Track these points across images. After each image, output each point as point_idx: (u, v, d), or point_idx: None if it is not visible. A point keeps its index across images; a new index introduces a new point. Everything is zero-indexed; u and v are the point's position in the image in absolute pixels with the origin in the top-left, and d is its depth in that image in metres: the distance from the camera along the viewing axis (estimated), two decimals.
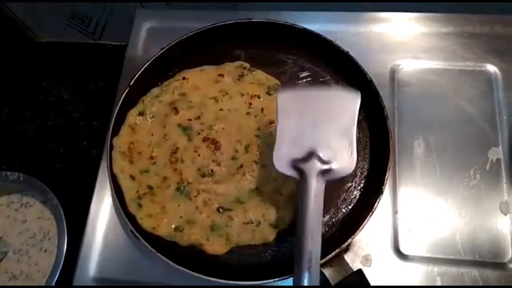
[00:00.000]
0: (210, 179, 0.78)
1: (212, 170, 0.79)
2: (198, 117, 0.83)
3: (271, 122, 0.82)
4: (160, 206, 0.77)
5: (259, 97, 0.84)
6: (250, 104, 0.84)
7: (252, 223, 0.76)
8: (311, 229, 0.57)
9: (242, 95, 0.84)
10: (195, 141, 0.81)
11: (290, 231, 0.76)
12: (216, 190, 0.78)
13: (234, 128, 0.82)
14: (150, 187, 0.79)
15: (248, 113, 0.83)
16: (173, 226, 0.76)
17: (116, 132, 0.83)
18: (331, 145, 0.62)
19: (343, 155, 0.61)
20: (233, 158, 0.80)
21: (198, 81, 0.87)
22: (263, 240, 0.76)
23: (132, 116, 0.84)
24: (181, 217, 0.77)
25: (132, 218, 0.76)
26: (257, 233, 0.76)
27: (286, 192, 0.77)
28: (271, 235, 0.75)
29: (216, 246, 0.75)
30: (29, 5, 1.06)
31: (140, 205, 0.78)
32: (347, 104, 0.63)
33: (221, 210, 0.77)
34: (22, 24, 1.13)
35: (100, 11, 1.07)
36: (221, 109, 0.84)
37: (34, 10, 1.08)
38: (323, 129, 0.63)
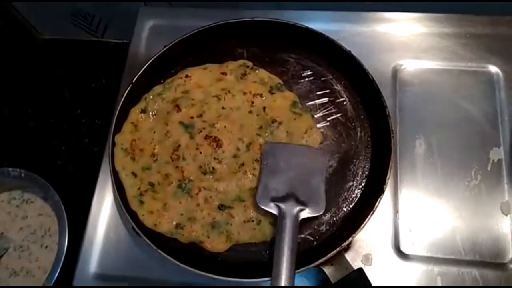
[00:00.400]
0: (211, 176, 0.79)
1: (213, 168, 0.79)
2: (200, 115, 0.83)
3: (273, 121, 0.82)
4: (162, 203, 0.78)
5: (261, 95, 0.84)
6: (253, 102, 0.84)
7: (253, 221, 0.76)
8: (286, 256, 0.65)
9: (245, 93, 0.84)
10: (197, 139, 0.81)
11: None
12: (217, 188, 0.78)
13: (236, 127, 0.82)
14: (151, 184, 0.79)
15: (250, 112, 0.83)
16: (174, 223, 0.76)
17: (118, 129, 0.83)
18: (306, 190, 0.74)
19: (315, 199, 0.74)
20: (235, 156, 0.80)
21: (200, 79, 0.87)
22: (263, 238, 0.76)
23: (135, 114, 0.84)
24: (182, 214, 0.77)
25: (133, 215, 0.76)
26: (257, 231, 0.76)
27: None
28: (271, 234, 0.75)
29: (216, 244, 0.75)
30: (32, 3, 1.07)
31: (141, 202, 0.78)
32: (319, 161, 0.78)
33: (222, 207, 0.77)
34: (25, 21, 1.14)
35: (103, 9, 1.07)
36: (223, 107, 0.84)
37: (38, 7, 1.09)
38: (300, 177, 0.76)
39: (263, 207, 0.73)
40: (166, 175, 0.79)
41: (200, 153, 0.80)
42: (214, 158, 0.79)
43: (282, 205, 0.72)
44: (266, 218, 0.76)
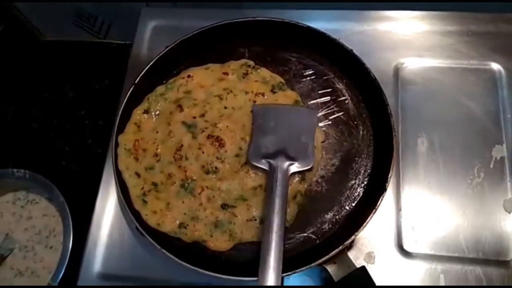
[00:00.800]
0: (214, 176, 0.79)
1: (216, 167, 0.79)
2: (203, 115, 0.83)
3: None
4: (165, 202, 0.78)
5: (263, 95, 0.84)
6: (255, 102, 0.84)
7: (256, 220, 0.76)
8: (278, 207, 0.69)
9: (247, 93, 0.85)
10: (200, 139, 0.81)
11: (292, 229, 0.77)
12: (220, 187, 0.78)
13: (238, 126, 0.82)
14: (154, 184, 0.80)
15: (252, 111, 0.84)
16: (177, 222, 0.77)
17: (121, 129, 0.83)
18: (295, 147, 0.77)
19: (304, 154, 0.77)
20: (237, 156, 0.80)
21: (202, 79, 0.87)
22: None
23: (137, 114, 0.85)
24: (185, 213, 0.77)
25: (137, 215, 0.76)
26: (260, 230, 0.76)
27: (290, 190, 0.77)
28: None
29: (219, 243, 0.76)
30: (35, 4, 1.07)
31: (145, 202, 0.78)
32: (308, 117, 0.82)
33: (225, 207, 0.77)
34: (28, 23, 1.14)
35: (105, 10, 1.07)
36: (225, 107, 0.84)
37: (41, 9, 1.09)
38: (289, 135, 0.79)
39: (254, 163, 0.77)
40: (169, 174, 0.80)
41: (203, 152, 0.80)
42: (217, 158, 0.79)
43: (272, 161, 0.75)
44: None
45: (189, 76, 0.87)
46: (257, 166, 0.77)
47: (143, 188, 0.79)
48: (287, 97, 0.85)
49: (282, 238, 0.67)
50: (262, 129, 0.80)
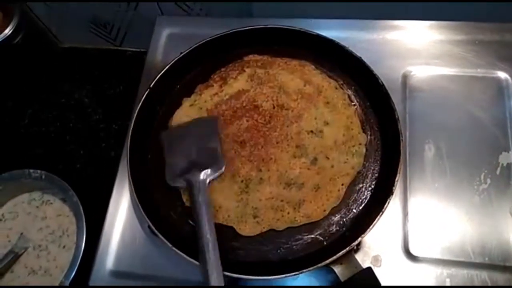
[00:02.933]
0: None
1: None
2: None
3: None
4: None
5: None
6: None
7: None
8: (204, 216, 0.73)
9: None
10: None
11: (300, 230, 0.78)
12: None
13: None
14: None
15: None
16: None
17: (135, 140, 0.85)
18: (204, 155, 0.81)
19: (214, 160, 0.81)
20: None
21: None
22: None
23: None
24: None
25: (149, 213, 0.77)
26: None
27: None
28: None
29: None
30: (54, 11, 1.10)
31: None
32: (209, 124, 0.85)
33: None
34: (47, 30, 1.17)
35: (121, 18, 1.10)
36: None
37: (59, 16, 1.12)
38: (196, 145, 0.83)
39: (173, 184, 0.80)
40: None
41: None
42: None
43: (188, 176, 0.78)
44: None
45: None
46: (178, 187, 0.81)
47: None
48: None
49: (215, 241, 0.70)
50: (172, 150, 0.83)
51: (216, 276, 0.67)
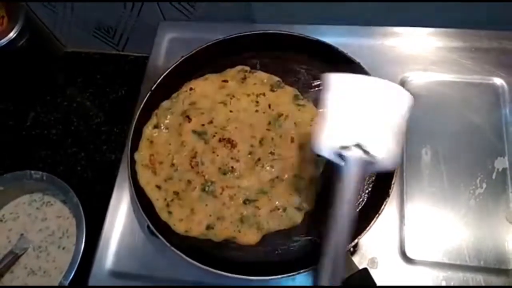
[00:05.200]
0: (231, 175, 0.81)
1: (232, 167, 0.82)
2: (211, 122, 0.86)
3: (280, 115, 0.86)
4: (189, 208, 0.80)
5: (264, 94, 0.88)
6: (257, 102, 0.88)
7: (279, 209, 0.79)
8: (344, 222, 0.59)
9: (248, 95, 0.88)
10: (212, 143, 0.84)
11: (298, 232, 0.79)
12: (240, 185, 0.81)
13: (246, 126, 0.85)
14: (176, 193, 0.82)
15: (256, 111, 0.87)
16: (204, 224, 0.79)
17: (135, 143, 0.86)
18: (378, 140, 0.58)
19: (389, 151, 0.58)
20: (250, 153, 0.83)
21: (204, 89, 0.91)
22: (292, 223, 0.78)
23: (148, 130, 0.88)
24: (210, 215, 0.79)
25: (149, 214, 0.78)
26: (285, 218, 0.79)
27: (306, 175, 0.80)
28: (298, 218, 0.78)
29: (248, 237, 0.78)
30: (58, 16, 1.12)
31: (170, 213, 0.80)
32: (399, 99, 0.59)
33: (247, 202, 0.79)
34: (51, 34, 1.19)
35: (124, 23, 1.11)
36: (231, 111, 0.87)
37: (63, 21, 1.14)
38: (372, 121, 0.58)
39: (323, 154, 0.61)
40: (188, 181, 0.82)
41: (217, 155, 0.83)
42: (231, 158, 0.82)
43: (348, 154, 0.58)
44: (290, 204, 0.79)
45: (191, 88, 0.91)
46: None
47: (165, 199, 0.82)
48: (287, 93, 0.89)
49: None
50: (338, 110, 0.60)
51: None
